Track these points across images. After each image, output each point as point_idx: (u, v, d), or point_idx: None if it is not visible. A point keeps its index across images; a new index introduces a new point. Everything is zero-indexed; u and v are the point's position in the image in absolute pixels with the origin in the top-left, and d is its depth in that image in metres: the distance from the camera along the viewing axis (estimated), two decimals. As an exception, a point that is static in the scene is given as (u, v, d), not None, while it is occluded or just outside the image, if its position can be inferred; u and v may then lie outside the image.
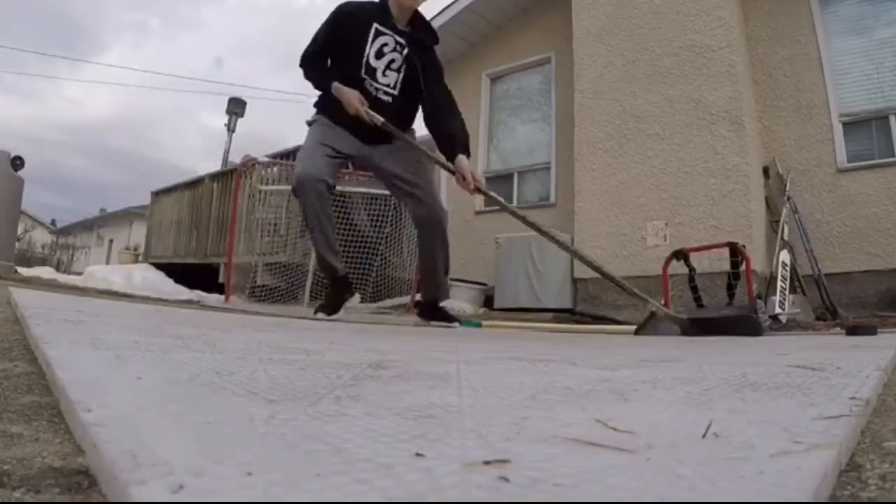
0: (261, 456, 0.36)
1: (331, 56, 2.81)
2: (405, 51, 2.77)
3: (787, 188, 4.84)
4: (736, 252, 3.64)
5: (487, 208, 7.13)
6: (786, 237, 4.53)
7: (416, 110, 3.00)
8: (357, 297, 3.02)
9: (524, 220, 2.90)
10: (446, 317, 3.23)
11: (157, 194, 9.97)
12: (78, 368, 0.66)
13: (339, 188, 6.15)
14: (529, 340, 2.13)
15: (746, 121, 4.85)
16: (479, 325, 3.83)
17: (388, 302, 6.27)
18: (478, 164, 7.25)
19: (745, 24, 5.42)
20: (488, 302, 6.06)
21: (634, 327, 3.48)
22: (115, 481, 0.32)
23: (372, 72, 2.75)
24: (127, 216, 23.48)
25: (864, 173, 4.80)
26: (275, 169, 6.79)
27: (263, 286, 6.05)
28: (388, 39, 2.74)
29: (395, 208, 6.48)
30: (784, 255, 4.17)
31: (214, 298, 5.30)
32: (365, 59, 2.72)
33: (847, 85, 5.04)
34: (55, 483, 0.39)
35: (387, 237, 6.43)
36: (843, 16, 5.15)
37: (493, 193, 3.10)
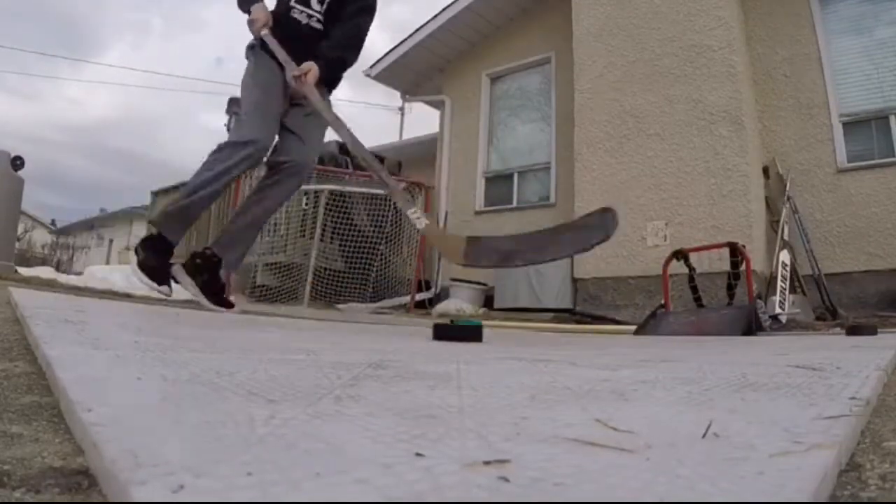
0: (261, 456, 0.36)
1: None
2: None
3: (787, 188, 4.85)
4: (736, 252, 3.65)
5: (487, 208, 7.14)
6: (786, 237, 4.53)
7: None
8: (167, 290, 2.58)
9: (376, 173, 2.57)
10: (224, 300, 2.71)
11: (157, 194, 9.97)
12: (78, 368, 0.66)
13: (339, 188, 6.17)
14: (529, 340, 2.13)
15: (746, 121, 4.85)
16: (479, 325, 3.83)
17: (388, 302, 6.27)
18: (478, 163, 7.26)
19: (745, 23, 5.42)
20: (488, 302, 6.06)
21: (634, 327, 3.48)
22: (115, 481, 0.32)
23: None
24: (127, 216, 23.47)
25: (864, 173, 4.79)
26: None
27: (263, 286, 6.05)
28: None
29: (394, 208, 6.48)
30: (784, 255, 4.18)
31: (214, 298, 5.28)
32: None
33: (847, 85, 5.04)
34: (55, 483, 0.39)
35: (387, 237, 6.43)
36: (843, 15, 5.15)
37: (331, 114, 2.60)
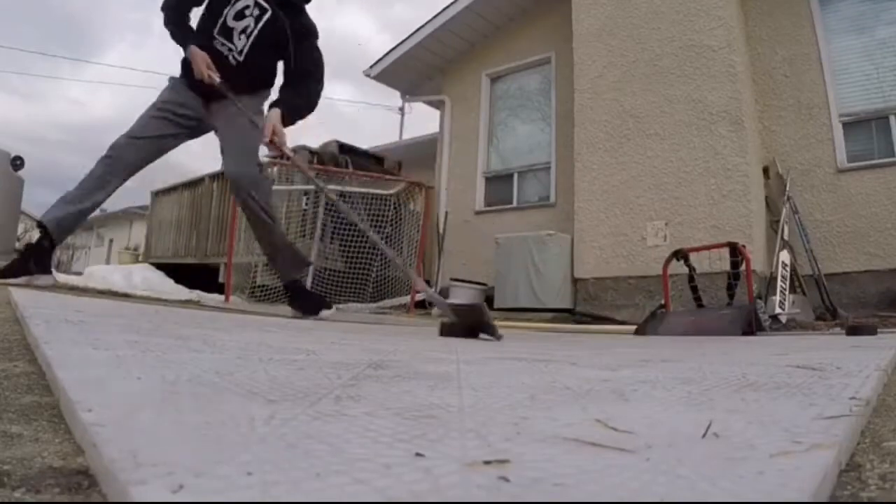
0: (261, 456, 0.36)
1: (194, 6, 2.83)
2: (266, 15, 2.76)
3: (787, 188, 4.85)
4: (736, 252, 3.65)
5: (487, 208, 7.14)
6: (786, 237, 4.53)
7: (272, 73, 2.94)
8: (51, 279, 2.74)
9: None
10: (322, 303, 3.06)
11: (157, 194, 9.96)
12: (78, 368, 0.66)
13: (339, 188, 6.17)
14: (529, 340, 2.13)
15: (746, 121, 4.85)
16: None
17: (388, 302, 6.27)
18: (478, 163, 7.26)
19: (745, 23, 5.42)
20: (488, 302, 6.05)
21: (634, 327, 3.48)
22: (115, 481, 0.32)
23: (227, 32, 2.76)
24: (127, 216, 23.47)
25: (864, 173, 4.79)
26: (275, 169, 6.79)
27: (263, 286, 6.05)
28: (249, 1, 2.75)
29: (394, 208, 6.48)
30: (784, 255, 4.18)
31: (214, 298, 5.29)
32: (223, 19, 2.74)
33: (847, 85, 5.04)
34: (55, 483, 0.39)
35: (387, 237, 6.43)
36: (843, 15, 5.15)
37: (299, 164, 3.14)
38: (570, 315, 5.30)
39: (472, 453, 0.40)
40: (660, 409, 0.61)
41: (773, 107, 5.28)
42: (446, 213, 7.23)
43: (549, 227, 5.73)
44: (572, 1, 5.98)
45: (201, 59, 2.67)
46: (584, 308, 5.34)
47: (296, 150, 6.90)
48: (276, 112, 2.76)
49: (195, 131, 2.89)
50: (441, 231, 7.15)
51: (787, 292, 3.96)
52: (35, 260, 2.69)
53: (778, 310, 3.68)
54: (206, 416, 0.47)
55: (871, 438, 0.59)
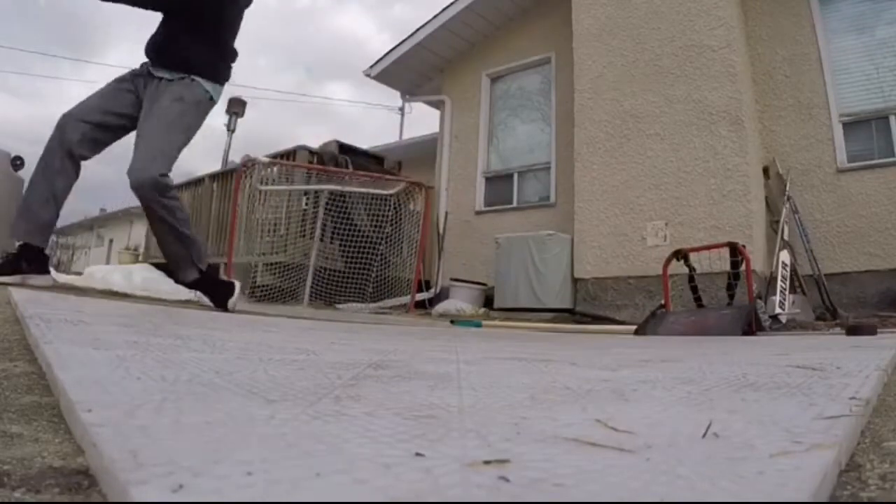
0: (261, 456, 0.36)
1: None
2: None
3: (787, 188, 4.85)
4: (736, 252, 3.65)
5: (487, 208, 7.14)
6: (786, 237, 4.53)
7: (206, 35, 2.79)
8: (49, 279, 2.65)
9: None
10: (229, 288, 2.88)
11: (157, 194, 9.96)
12: (78, 368, 0.66)
13: (339, 188, 6.18)
14: (529, 340, 2.13)
15: (746, 121, 4.85)
16: (479, 325, 3.83)
17: (388, 302, 6.27)
18: (478, 163, 7.26)
19: (745, 23, 5.42)
20: (488, 302, 6.06)
21: (634, 327, 3.48)
22: (115, 481, 0.32)
23: None
24: (127, 216, 23.47)
25: (864, 173, 4.80)
26: (275, 169, 6.79)
27: (263, 286, 6.05)
28: None
29: (394, 208, 6.48)
30: (784, 255, 4.18)
31: (214, 298, 5.29)
32: None
33: (847, 85, 5.04)
34: (55, 483, 0.39)
35: (387, 237, 6.43)
36: (843, 15, 5.15)
37: None
38: (570, 315, 5.30)
39: (472, 453, 0.40)
40: (660, 409, 0.61)
41: (773, 107, 5.28)
42: (446, 213, 7.23)
43: (549, 227, 5.73)
44: (572, 1, 5.98)
45: None
46: (584, 308, 5.35)
47: (295, 150, 6.91)
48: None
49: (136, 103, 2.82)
50: (441, 231, 7.15)
51: (787, 292, 3.96)
52: (27, 258, 2.61)
53: (778, 310, 3.68)
54: (206, 416, 0.47)
55: (871, 438, 0.59)
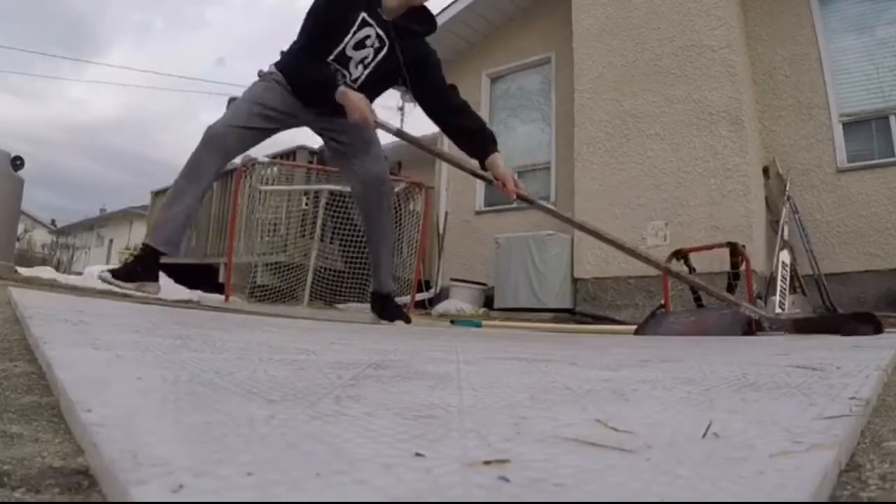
0: (261, 456, 0.36)
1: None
2: (385, 47, 2.70)
3: (787, 188, 4.85)
4: (736, 252, 3.65)
5: (487, 208, 7.14)
6: (786, 237, 4.53)
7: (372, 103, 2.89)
8: (157, 287, 2.69)
9: (568, 220, 3.00)
10: (401, 314, 3.05)
11: (157, 194, 9.97)
12: (78, 368, 0.66)
13: (339, 188, 6.18)
14: (529, 340, 2.13)
15: (746, 121, 4.85)
16: (479, 325, 3.83)
17: (388, 302, 6.26)
18: (478, 163, 7.25)
19: (745, 23, 5.42)
20: (488, 302, 6.06)
21: (634, 327, 3.48)
22: (115, 481, 0.32)
23: (345, 60, 2.68)
24: (127, 216, 23.50)
25: (864, 173, 4.80)
26: (275, 169, 6.79)
27: (263, 286, 6.05)
28: (371, 32, 2.67)
29: (394, 208, 6.47)
30: (784, 255, 4.18)
31: (214, 298, 5.29)
32: (342, 47, 2.65)
33: (847, 85, 5.05)
34: (55, 483, 0.39)
35: (387, 237, 6.42)
36: (843, 15, 5.15)
37: (538, 201, 2.96)
38: (570, 315, 5.30)
39: (472, 453, 0.40)
40: (660, 409, 0.61)
41: (773, 107, 5.29)
42: (446, 213, 7.23)
43: (549, 227, 5.73)
44: (572, 1, 5.98)
45: (362, 101, 2.59)
46: (584, 308, 5.35)
47: (296, 150, 6.91)
48: (499, 157, 2.86)
49: (287, 125, 2.84)
50: (441, 231, 7.15)
51: (787, 292, 3.96)
52: (144, 264, 2.63)
53: (778, 310, 3.68)
54: (206, 416, 0.47)
55: (871, 438, 0.59)
